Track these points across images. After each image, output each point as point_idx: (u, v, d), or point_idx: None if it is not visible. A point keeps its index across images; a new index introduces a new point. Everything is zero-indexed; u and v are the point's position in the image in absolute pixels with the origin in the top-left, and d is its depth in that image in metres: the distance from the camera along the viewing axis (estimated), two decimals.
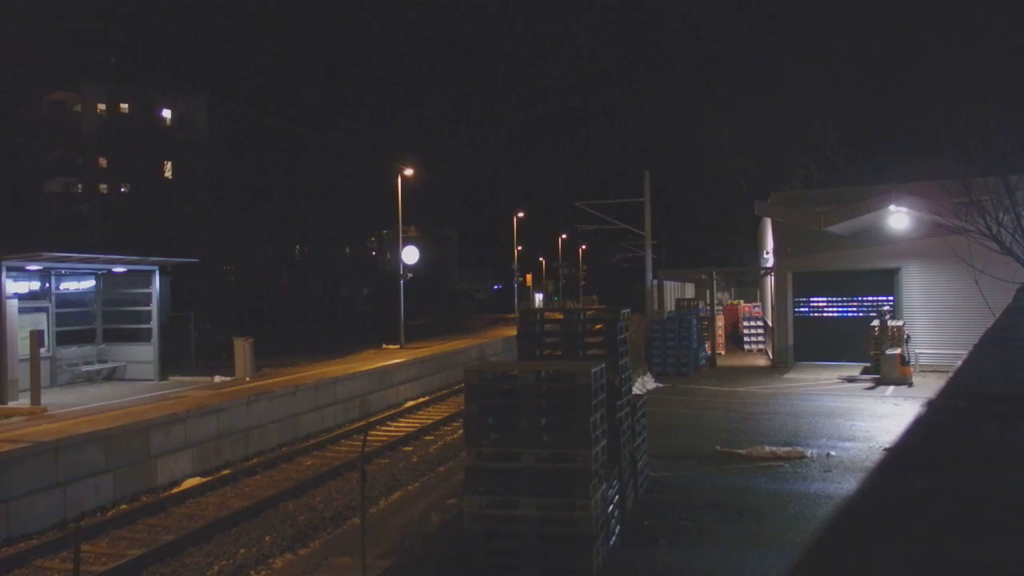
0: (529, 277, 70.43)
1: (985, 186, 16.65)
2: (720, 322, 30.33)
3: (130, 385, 19.67)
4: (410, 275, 34.62)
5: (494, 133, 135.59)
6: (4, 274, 16.54)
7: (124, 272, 21.13)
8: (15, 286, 17.85)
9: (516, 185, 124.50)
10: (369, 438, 17.74)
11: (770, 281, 27.30)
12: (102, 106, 57.97)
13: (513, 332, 19.62)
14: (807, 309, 25.10)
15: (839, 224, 22.49)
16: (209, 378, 20.70)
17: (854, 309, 24.52)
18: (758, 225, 34.43)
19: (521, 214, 60.34)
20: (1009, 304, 18.67)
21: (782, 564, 7.71)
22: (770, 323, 27.55)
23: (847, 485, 10.53)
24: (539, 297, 76.85)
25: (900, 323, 21.71)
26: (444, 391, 25.49)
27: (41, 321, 19.06)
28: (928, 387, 18.89)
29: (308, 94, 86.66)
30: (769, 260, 27.38)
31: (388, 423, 20.42)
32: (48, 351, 19.14)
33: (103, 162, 57.69)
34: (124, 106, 58.70)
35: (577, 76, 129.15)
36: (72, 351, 20.21)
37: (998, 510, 9.45)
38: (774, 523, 8.93)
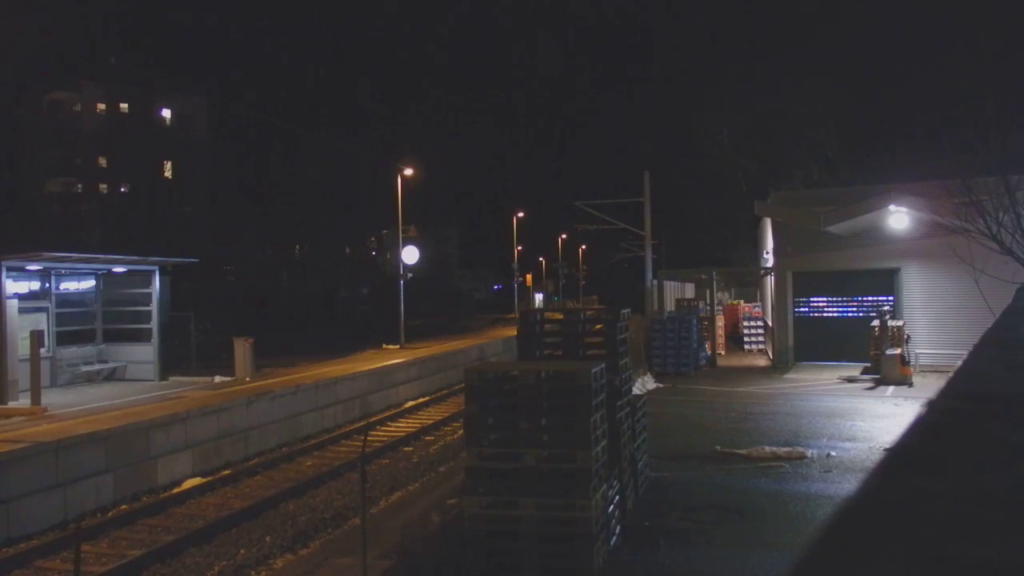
0: (529, 277, 70.37)
1: (985, 186, 16.63)
2: (720, 322, 30.32)
3: (130, 385, 19.67)
4: (410, 275, 34.60)
5: (494, 133, 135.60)
6: (4, 274, 16.53)
7: (124, 272, 21.12)
8: (15, 286, 17.84)
9: (516, 185, 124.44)
10: (369, 438, 17.74)
11: (770, 281, 27.29)
12: (102, 106, 57.89)
13: (513, 332, 19.62)
14: (807, 309, 25.09)
15: (839, 224, 22.48)
16: (209, 378, 20.70)
17: (854, 309, 24.51)
18: (758, 225, 34.42)
19: (521, 214, 60.39)
20: (1009, 304, 18.66)
21: (783, 564, 7.70)
22: (770, 323, 27.54)
23: (847, 485, 10.52)
24: (539, 297, 76.82)
25: (900, 323, 21.71)
26: (444, 391, 25.48)
27: (41, 321, 19.05)
28: (928, 387, 18.89)
29: (308, 94, 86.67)
30: (769, 260, 27.37)
31: (388, 423, 20.42)
32: (48, 351, 19.13)
33: (103, 162, 57.59)
34: (124, 106, 58.61)
35: (577, 76, 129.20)
36: (72, 351, 20.20)
37: (998, 510, 9.45)
38: (774, 523, 8.93)
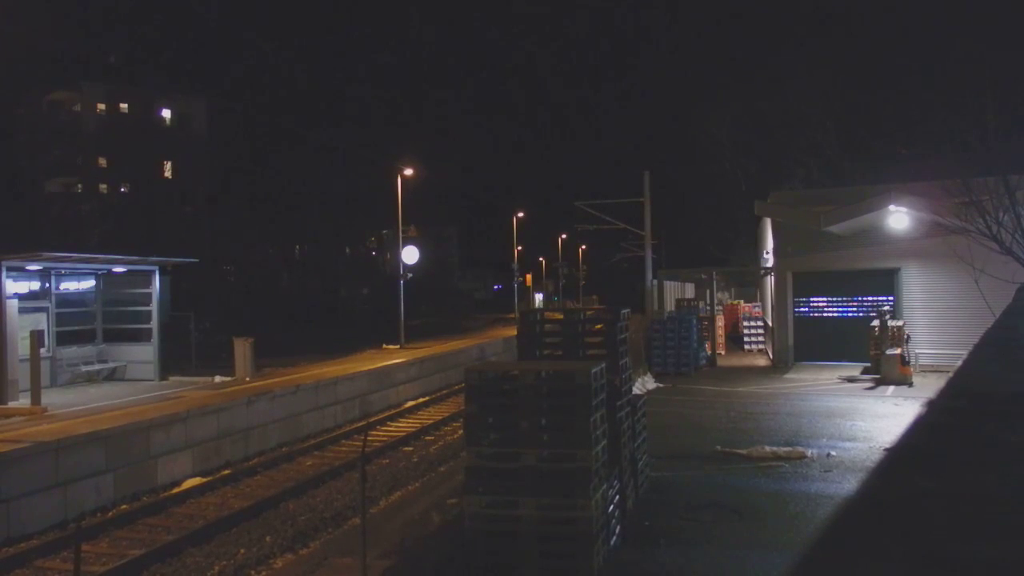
0: (529, 277, 70.44)
1: (985, 186, 16.64)
2: (720, 322, 30.32)
3: (130, 385, 19.67)
4: (410, 275, 34.60)
5: (494, 132, 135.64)
6: (4, 274, 16.53)
7: (124, 272, 21.12)
8: (15, 286, 17.84)
9: (516, 185, 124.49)
10: (369, 438, 17.74)
11: (770, 281, 27.30)
12: (102, 106, 57.89)
13: (513, 332, 19.61)
14: (807, 309, 25.10)
15: (839, 224, 22.49)
16: (209, 378, 20.70)
17: (854, 309, 24.51)
18: (758, 225, 34.43)
19: (521, 214, 60.43)
20: (1009, 304, 18.67)
21: (783, 564, 7.71)
22: (770, 323, 27.55)
23: (847, 485, 10.53)
24: (539, 297, 76.91)
25: (900, 323, 21.71)
26: (444, 391, 25.49)
27: (41, 321, 19.05)
28: (928, 387, 18.89)
29: (308, 94, 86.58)
30: (769, 260, 27.37)
31: (388, 423, 20.42)
32: (48, 351, 19.13)
33: (103, 162, 57.58)
34: (124, 106, 58.62)
35: (577, 75, 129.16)
36: (72, 351, 20.20)
37: (998, 510, 9.45)
38: (774, 523, 8.93)
